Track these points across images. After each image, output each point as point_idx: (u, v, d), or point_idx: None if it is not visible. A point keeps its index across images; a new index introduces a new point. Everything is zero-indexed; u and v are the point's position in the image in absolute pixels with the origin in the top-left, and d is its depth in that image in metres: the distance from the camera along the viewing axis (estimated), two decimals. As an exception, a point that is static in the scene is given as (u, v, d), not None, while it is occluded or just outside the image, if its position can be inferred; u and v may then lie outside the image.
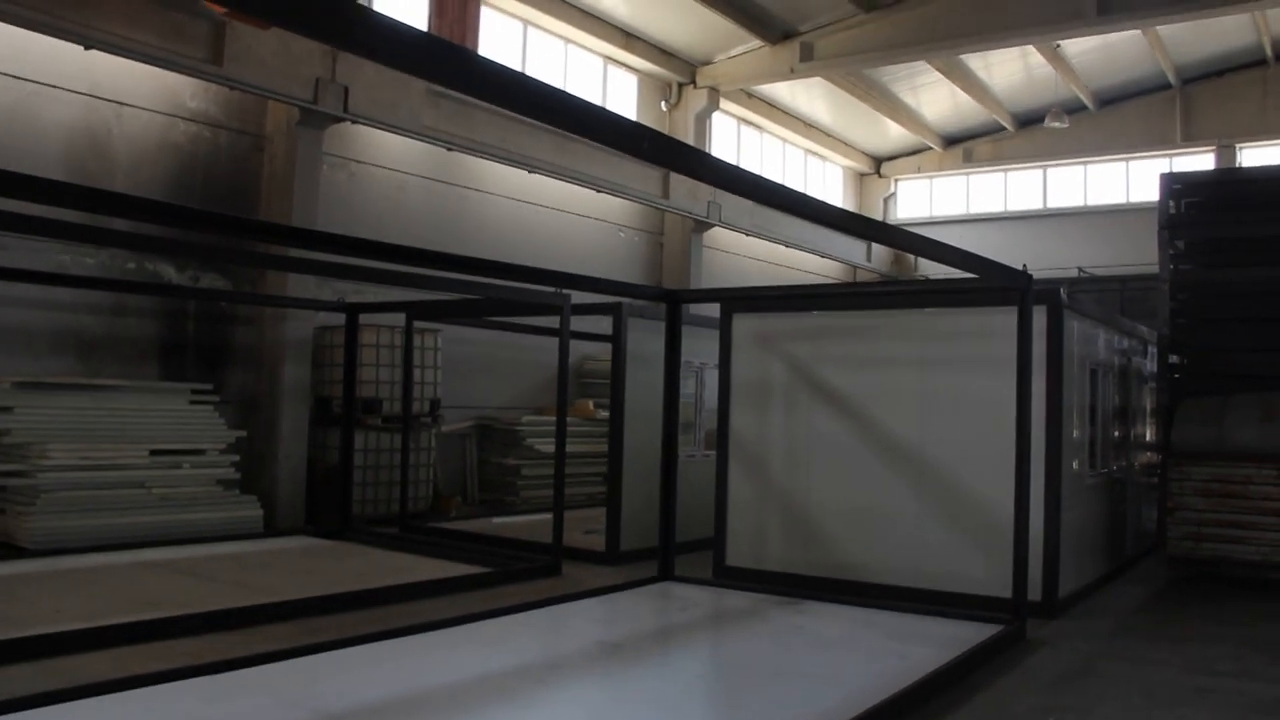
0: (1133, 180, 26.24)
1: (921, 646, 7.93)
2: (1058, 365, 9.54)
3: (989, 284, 8.84)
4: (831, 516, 10.63)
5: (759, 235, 22.84)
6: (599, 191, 18.63)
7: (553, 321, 14.48)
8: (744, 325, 11.25)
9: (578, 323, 14.63)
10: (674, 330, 10.56)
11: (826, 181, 27.66)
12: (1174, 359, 12.22)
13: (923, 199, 29.16)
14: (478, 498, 17.30)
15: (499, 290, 11.39)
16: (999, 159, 27.65)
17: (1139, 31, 21.76)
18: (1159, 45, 22.89)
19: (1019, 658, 7.96)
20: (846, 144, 27.50)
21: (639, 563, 11.43)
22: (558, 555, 11.38)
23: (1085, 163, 26.90)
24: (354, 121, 14.53)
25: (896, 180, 29.00)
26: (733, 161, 23.41)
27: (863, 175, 28.91)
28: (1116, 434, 12.17)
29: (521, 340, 16.52)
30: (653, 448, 11.39)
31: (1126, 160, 26.27)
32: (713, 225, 21.32)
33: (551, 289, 11.30)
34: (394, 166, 16.45)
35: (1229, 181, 12.12)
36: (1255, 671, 7.73)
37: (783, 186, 6.44)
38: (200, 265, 13.87)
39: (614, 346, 12.21)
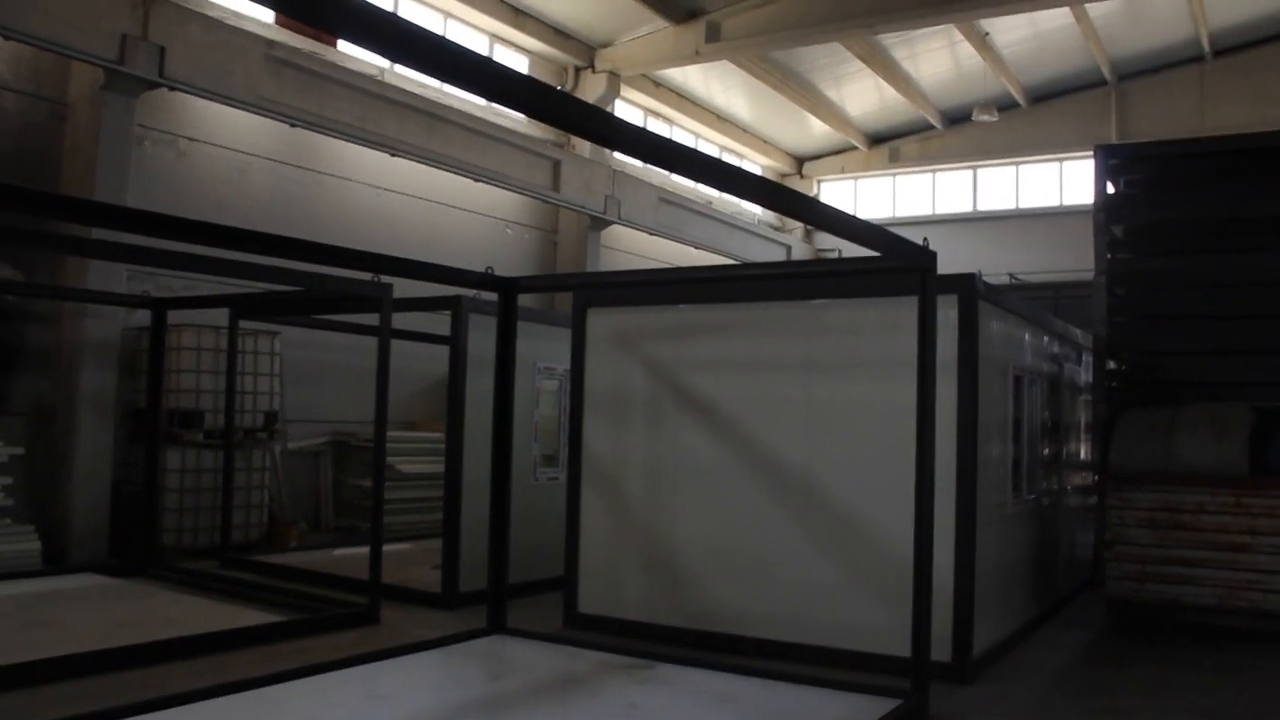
0: (1067, 182, 24.68)
1: (786, 736, 6.04)
2: (972, 369, 7.69)
3: (886, 264, 6.97)
4: (702, 555, 8.72)
5: (664, 235, 20.91)
6: (477, 180, 16.63)
7: (415, 321, 12.69)
8: (601, 322, 9.33)
9: (430, 322, 12.69)
10: (508, 325, 8.60)
11: (744, 181, 25.82)
12: (1112, 364, 10.42)
13: (846, 202, 27.42)
14: (333, 524, 15.19)
15: (315, 279, 9.45)
16: (927, 159, 26.01)
17: (1073, 21, 20.26)
18: (1093, 37, 21.36)
19: (915, 748, 6.07)
20: (766, 141, 25.73)
21: (481, 606, 9.49)
22: (375, 600, 9.41)
23: (1017, 163, 25.34)
24: (173, 88, 12.44)
25: (819, 181, 27.29)
26: (640, 164, 21.62)
27: (784, 176, 27.07)
28: (1046, 453, 10.38)
29: (392, 346, 14.45)
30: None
31: (1060, 160, 24.71)
32: (611, 223, 19.39)
33: (369, 277, 9.37)
34: (234, 146, 14.35)
35: (1176, 156, 10.38)
36: (1220, 765, 5.90)
37: (675, 143, 5.15)
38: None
39: (452, 348, 10.25)
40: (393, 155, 15.32)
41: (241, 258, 8.40)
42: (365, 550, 12.80)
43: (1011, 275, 22.39)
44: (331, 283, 9.58)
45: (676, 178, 22.75)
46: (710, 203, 23.45)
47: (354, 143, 14.86)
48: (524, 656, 7.89)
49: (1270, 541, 8.74)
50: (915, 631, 6.73)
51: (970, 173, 25.97)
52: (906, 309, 7.15)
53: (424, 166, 16.05)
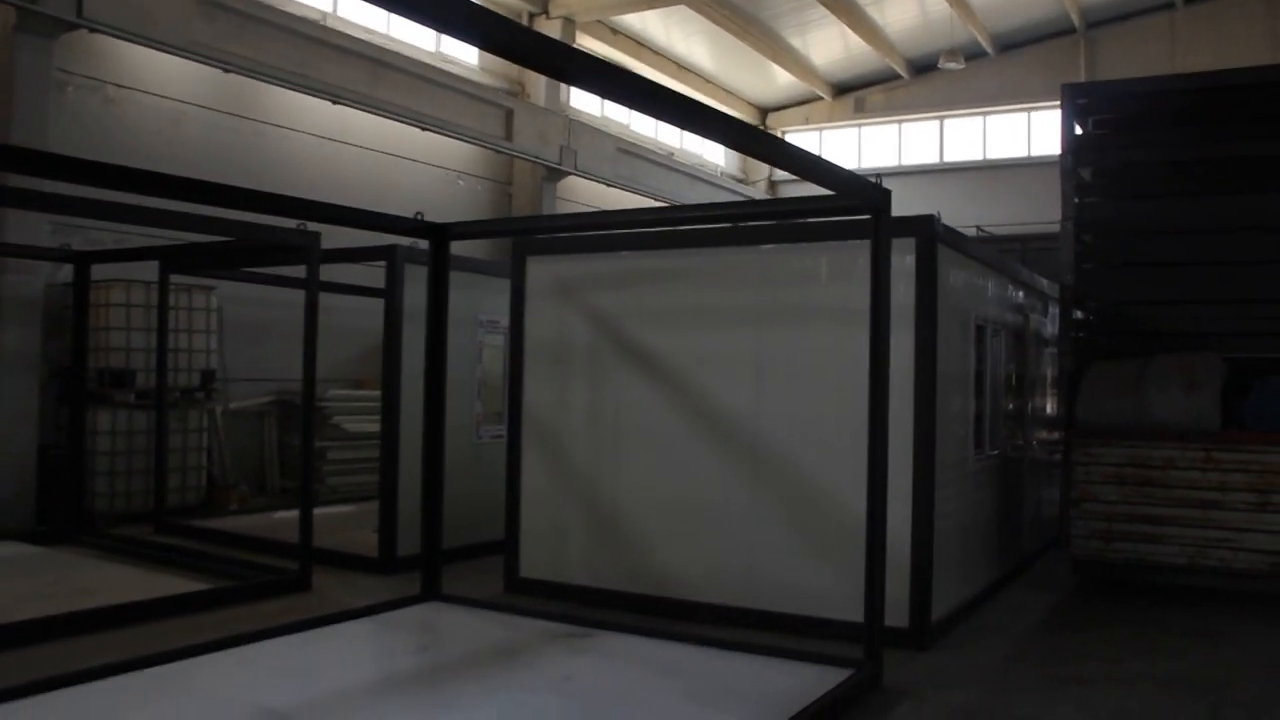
0: (1035, 132, 24.15)
1: (727, 711, 5.60)
2: (931, 318, 7.22)
3: (836, 203, 6.47)
4: (648, 516, 8.27)
5: (623, 187, 20.23)
6: (425, 129, 15.99)
7: (357, 274, 12.20)
8: (542, 270, 8.82)
9: (373, 275, 12.12)
10: (440, 274, 8.08)
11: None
12: (1079, 315, 9.97)
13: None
14: (279, 486, 14.66)
15: (249, 229, 8.95)
16: (893, 109, 25.48)
17: (1041, -36, 19.71)
18: (1063, -19, 20.87)
19: (866, 722, 5.65)
20: (728, 91, 25.10)
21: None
22: (306, 566, 8.97)
23: (984, 113, 24.79)
24: (93, 30, 11.74)
25: (783, 133, 26.68)
26: (593, 105, 20.98)
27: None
28: (1011, 407, 9.98)
29: (337, 301, 13.85)
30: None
31: (1028, 110, 24.17)
32: (567, 174, 18.76)
33: (295, 225, 8.84)
34: (167, 93, 13.64)
35: (1147, 94, 9.86)
36: (1191, 737, 5.51)
37: (632, 74, 4.75)
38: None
39: (387, 301, 9.74)
40: (335, 103, 14.65)
41: (167, 206, 7.91)
42: (317, 512, 12.49)
43: (979, 227, 21.96)
44: (264, 233, 9.06)
45: (636, 128, 22.27)
46: (671, 153, 22.87)
47: (294, 90, 14.20)
48: (457, 625, 7.44)
49: (1241, 498, 8.36)
50: (869, 598, 6.30)
51: (937, 123, 25.43)
52: (861, 254, 6.67)
53: (371, 116, 15.41)
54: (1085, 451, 8.92)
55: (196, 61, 12.98)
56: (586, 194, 20.29)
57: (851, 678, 6.06)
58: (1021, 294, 10.14)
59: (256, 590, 8.61)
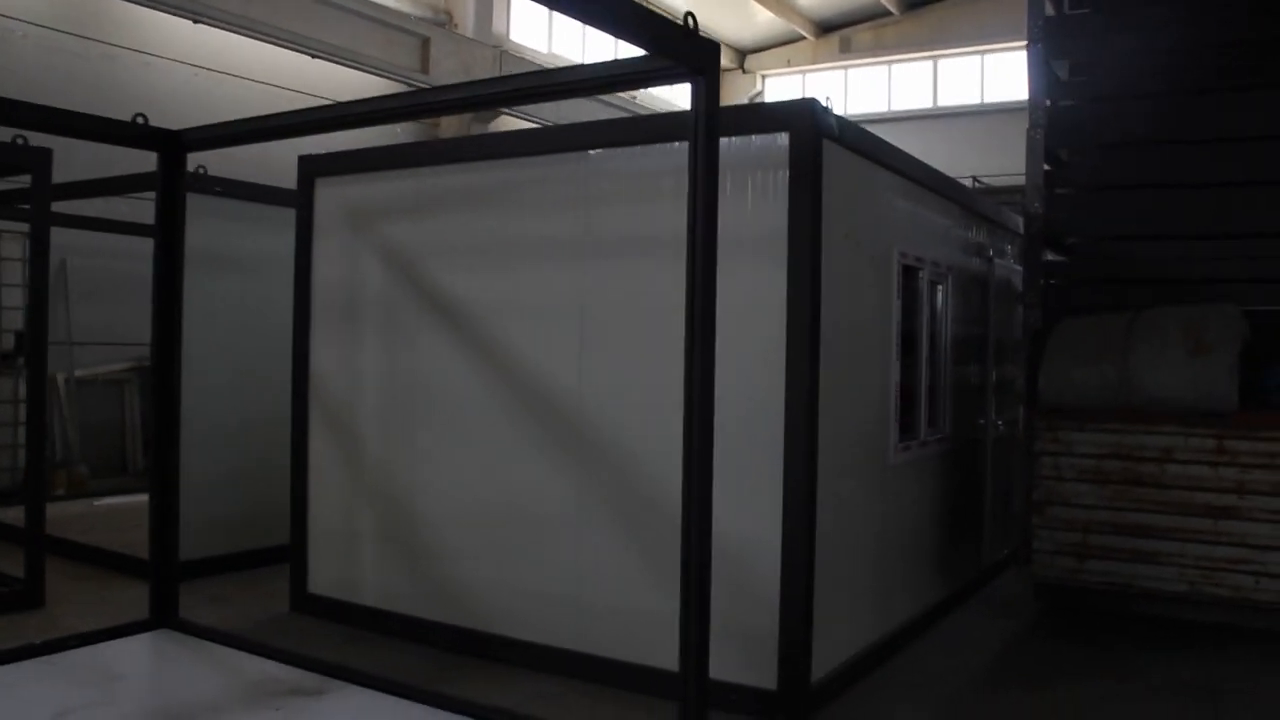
0: (1039, 73, 21.82)
1: None
2: (811, 250, 5.01)
3: (641, 67, 4.25)
4: (451, 522, 6.17)
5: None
6: (314, 58, 13.84)
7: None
8: (331, 196, 6.70)
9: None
10: (171, 197, 5.96)
11: (677, 77, 23.04)
12: (1051, 255, 7.73)
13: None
14: (140, 464, 12.70)
15: None
16: (882, 48, 23.20)
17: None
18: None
19: None
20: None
21: (214, 577, 7.52)
22: (35, 578, 7.11)
23: (982, 52, 22.45)
24: None
25: (763, 76, 24.45)
26: (545, 47, 18.74)
27: (724, 71, 24.23)
28: (972, 379, 7.78)
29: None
30: (237, 398, 7.98)
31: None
32: (501, 114, 16.59)
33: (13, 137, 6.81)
34: (-11, 8, 11.59)
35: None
36: None
37: None
38: None
39: (157, 242, 7.61)
40: (195, 23, 12.51)
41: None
42: (139, 500, 10.57)
43: (975, 178, 19.66)
44: None
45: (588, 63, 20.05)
46: (634, 96, 20.64)
47: (146, 7, 12.08)
48: (154, 670, 5.35)
49: (1265, 504, 6.09)
50: (684, 653, 4.10)
51: (930, 63, 23.14)
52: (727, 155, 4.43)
53: (260, 43, 13.30)
54: (1052, 437, 6.70)
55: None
56: (529, 139, 18.12)
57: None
58: (980, 231, 7.93)
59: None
